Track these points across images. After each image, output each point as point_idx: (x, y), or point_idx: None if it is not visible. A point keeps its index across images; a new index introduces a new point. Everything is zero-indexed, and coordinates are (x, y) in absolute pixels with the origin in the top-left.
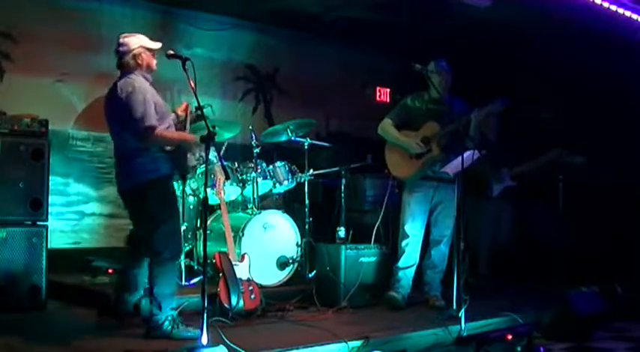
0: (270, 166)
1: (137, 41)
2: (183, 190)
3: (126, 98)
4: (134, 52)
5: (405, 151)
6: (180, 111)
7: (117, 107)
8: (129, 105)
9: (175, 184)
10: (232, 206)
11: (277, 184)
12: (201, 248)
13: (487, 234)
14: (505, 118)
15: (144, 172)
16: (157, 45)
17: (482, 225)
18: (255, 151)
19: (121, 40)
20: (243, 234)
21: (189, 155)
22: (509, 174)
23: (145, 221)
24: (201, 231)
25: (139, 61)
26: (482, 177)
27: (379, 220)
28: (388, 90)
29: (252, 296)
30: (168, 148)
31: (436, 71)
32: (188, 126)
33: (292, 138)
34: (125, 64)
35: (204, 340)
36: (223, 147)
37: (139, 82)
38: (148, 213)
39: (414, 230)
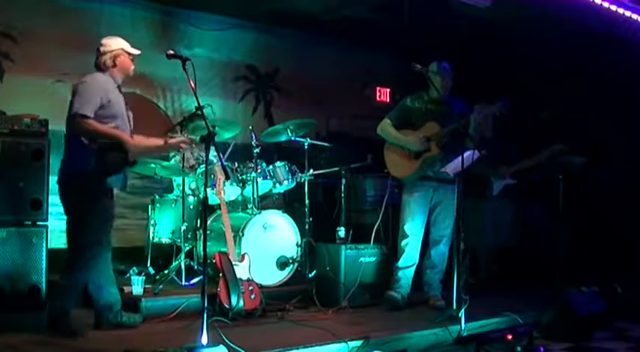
0: (270, 166)
1: (118, 44)
2: (183, 190)
3: (75, 87)
4: (114, 52)
5: (404, 151)
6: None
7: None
8: (74, 93)
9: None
10: (232, 206)
11: (277, 184)
12: (201, 248)
13: (488, 233)
14: (503, 116)
15: (71, 164)
16: (137, 51)
17: (484, 225)
18: (255, 151)
19: (103, 41)
20: (243, 234)
21: (127, 155)
22: (509, 172)
23: (66, 214)
24: (201, 231)
25: (116, 62)
26: (483, 176)
27: (379, 220)
28: (388, 90)
29: (252, 296)
30: (94, 145)
31: (438, 72)
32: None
33: (292, 138)
34: (102, 63)
35: (204, 340)
36: (230, 148)
37: (98, 78)
38: (67, 205)
39: (413, 230)
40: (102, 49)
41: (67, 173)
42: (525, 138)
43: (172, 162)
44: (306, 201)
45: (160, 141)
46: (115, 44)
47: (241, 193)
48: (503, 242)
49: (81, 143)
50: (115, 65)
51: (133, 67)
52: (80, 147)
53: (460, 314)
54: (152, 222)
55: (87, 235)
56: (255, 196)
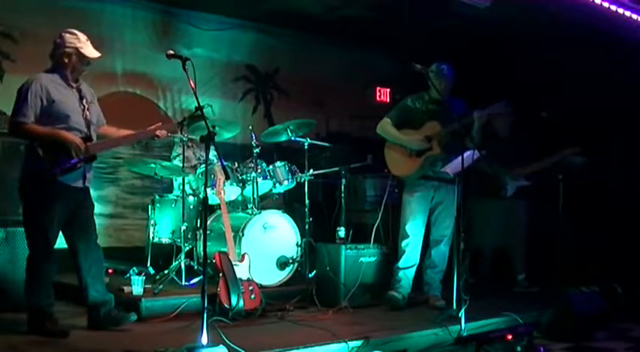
0: (270, 166)
1: (74, 42)
2: (183, 190)
3: (17, 92)
4: (66, 50)
5: (405, 149)
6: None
7: None
8: (16, 97)
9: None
10: (232, 206)
11: (277, 184)
12: (202, 248)
13: (495, 236)
14: (517, 118)
15: (24, 167)
16: (95, 54)
17: (489, 228)
18: (255, 151)
19: (62, 33)
20: (243, 234)
21: (72, 152)
22: (524, 173)
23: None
24: (201, 231)
25: (66, 60)
26: (497, 177)
27: (379, 220)
28: (388, 90)
29: (252, 296)
30: (37, 147)
31: (438, 73)
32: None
33: (292, 138)
34: (52, 56)
35: (204, 340)
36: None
37: (41, 79)
38: (22, 208)
39: (414, 230)
40: (57, 40)
41: (23, 175)
42: (537, 138)
43: (173, 162)
44: (306, 201)
45: (128, 132)
46: (70, 41)
47: (241, 193)
48: (513, 243)
49: (29, 146)
50: (63, 62)
51: (84, 70)
52: (28, 150)
53: (460, 314)
54: (152, 222)
55: (38, 234)
56: (255, 196)
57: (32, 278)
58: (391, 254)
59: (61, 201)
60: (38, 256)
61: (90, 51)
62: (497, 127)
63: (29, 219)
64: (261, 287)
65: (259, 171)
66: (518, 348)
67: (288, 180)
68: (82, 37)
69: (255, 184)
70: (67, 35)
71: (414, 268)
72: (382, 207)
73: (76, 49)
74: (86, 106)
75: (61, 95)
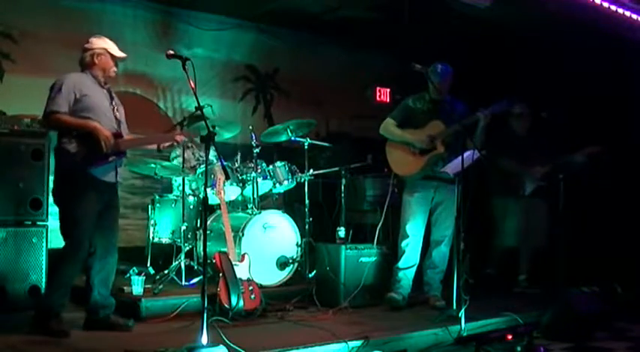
0: (270, 166)
1: (102, 44)
2: (183, 190)
3: (50, 88)
4: (96, 51)
5: (409, 148)
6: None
7: None
8: (49, 93)
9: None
10: (232, 206)
11: (277, 184)
12: (202, 248)
13: (527, 233)
14: (535, 118)
15: (57, 168)
16: (121, 54)
17: (518, 225)
18: (255, 151)
19: (90, 39)
20: (243, 234)
21: (102, 144)
22: (542, 172)
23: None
24: (201, 231)
25: (96, 60)
26: (516, 175)
27: (381, 220)
28: (388, 90)
29: (252, 296)
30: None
31: (437, 74)
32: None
33: (292, 138)
34: (83, 60)
35: (204, 340)
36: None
37: (71, 76)
38: (56, 198)
39: (414, 230)
40: (86, 45)
41: (58, 168)
42: (552, 139)
43: (173, 162)
44: (306, 201)
45: (151, 139)
46: (99, 43)
47: (241, 193)
48: (536, 242)
49: (58, 147)
50: (94, 63)
51: (114, 68)
52: (58, 151)
53: (460, 314)
54: (152, 222)
55: (73, 229)
56: (255, 196)
57: (54, 276)
58: (391, 254)
59: (94, 195)
60: (71, 253)
61: (117, 51)
62: (516, 127)
63: (65, 216)
64: (261, 287)
65: (259, 171)
66: (518, 348)
67: (288, 180)
68: (108, 40)
69: (255, 184)
70: (95, 39)
71: (414, 268)
72: (385, 207)
73: (105, 49)
74: (115, 107)
75: (92, 91)
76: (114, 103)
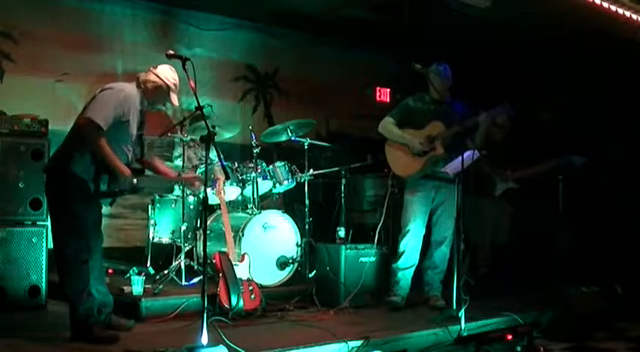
0: (270, 166)
1: (170, 79)
2: (183, 190)
3: (99, 92)
4: (160, 85)
5: (409, 148)
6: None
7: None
8: (95, 97)
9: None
10: (232, 206)
11: (277, 184)
12: (201, 248)
13: (487, 233)
14: (514, 122)
15: (72, 165)
16: (176, 103)
17: (483, 223)
18: (255, 151)
19: (163, 67)
20: (243, 234)
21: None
22: (514, 177)
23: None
24: (201, 230)
25: (154, 92)
26: (485, 176)
27: (382, 220)
28: (388, 90)
29: (252, 296)
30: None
31: (436, 74)
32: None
33: (292, 138)
34: (144, 82)
35: (205, 340)
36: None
37: (129, 90)
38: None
39: (414, 230)
40: (154, 71)
41: (56, 165)
42: (533, 141)
43: (175, 162)
44: (306, 201)
45: (172, 174)
46: (168, 80)
47: (241, 193)
48: (501, 241)
49: (84, 148)
50: (150, 92)
51: (162, 106)
52: (82, 150)
53: (460, 314)
54: (152, 221)
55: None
56: (255, 196)
57: (69, 289)
58: (391, 254)
59: (94, 204)
60: (76, 252)
61: (175, 99)
62: (493, 134)
63: (66, 226)
64: (261, 287)
65: (259, 171)
66: (518, 348)
67: (288, 180)
68: (177, 78)
69: (255, 184)
70: (166, 70)
71: (413, 268)
72: (384, 207)
73: (169, 88)
74: (141, 133)
75: (133, 117)
76: (142, 129)
